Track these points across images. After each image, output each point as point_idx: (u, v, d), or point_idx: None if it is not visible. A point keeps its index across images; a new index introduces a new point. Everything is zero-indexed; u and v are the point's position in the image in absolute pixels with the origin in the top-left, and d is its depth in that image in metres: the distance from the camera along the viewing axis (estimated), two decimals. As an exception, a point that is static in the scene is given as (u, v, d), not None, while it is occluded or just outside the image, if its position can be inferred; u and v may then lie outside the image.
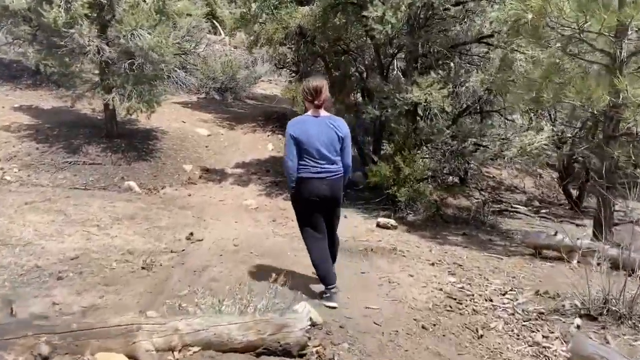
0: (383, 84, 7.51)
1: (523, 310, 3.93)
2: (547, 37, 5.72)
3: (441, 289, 4.38)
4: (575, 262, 5.31)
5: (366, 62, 8.96)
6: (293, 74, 11.31)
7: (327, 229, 3.99)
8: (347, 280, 4.36)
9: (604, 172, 5.62)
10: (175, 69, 10.31)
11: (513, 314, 3.88)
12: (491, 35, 7.27)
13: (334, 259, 4.14)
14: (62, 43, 7.74)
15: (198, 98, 13.20)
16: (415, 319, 3.74)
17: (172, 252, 5.09)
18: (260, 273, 4.45)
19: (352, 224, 6.78)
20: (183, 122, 10.76)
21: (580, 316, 3.73)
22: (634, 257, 4.29)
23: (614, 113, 5.53)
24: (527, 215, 8.41)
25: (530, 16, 5.36)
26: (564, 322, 3.71)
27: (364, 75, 8.96)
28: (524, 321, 3.75)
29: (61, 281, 4.15)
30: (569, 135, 8.41)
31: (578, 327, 3.59)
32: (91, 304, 3.73)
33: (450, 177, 8.71)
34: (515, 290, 4.38)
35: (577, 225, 7.79)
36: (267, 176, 8.83)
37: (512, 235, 7.00)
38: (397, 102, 7.08)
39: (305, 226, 3.98)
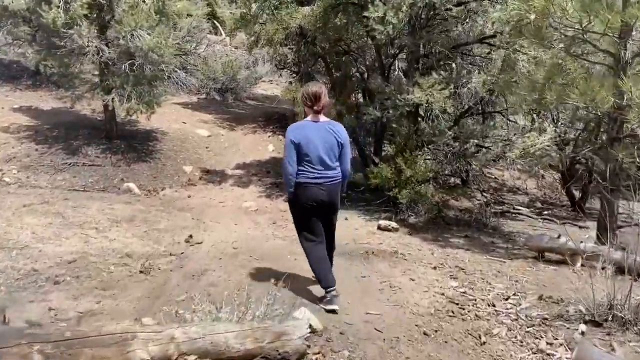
0: (384, 85, 7.45)
1: (526, 316, 3.86)
2: (550, 38, 5.65)
3: (443, 294, 4.32)
4: (578, 265, 5.25)
5: (367, 63, 8.90)
6: (294, 75, 11.24)
7: (325, 233, 3.99)
8: (348, 285, 4.31)
9: (607, 174, 5.55)
10: (176, 69, 10.24)
11: (516, 320, 3.82)
12: (493, 36, 7.21)
13: (330, 263, 4.09)
14: (62, 44, 7.71)
15: (198, 99, 13.16)
16: (416, 325, 3.68)
17: (170, 255, 5.04)
18: (260, 277, 4.39)
19: (353, 227, 6.73)
20: (183, 122, 10.71)
21: (585, 322, 3.66)
22: (639, 261, 4.23)
23: (618, 115, 5.46)
24: (530, 217, 8.34)
25: (532, 16, 5.30)
26: (568, 328, 3.65)
27: (365, 75, 8.90)
28: (528, 327, 3.68)
29: (58, 285, 4.09)
30: (572, 136, 8.34)
31: (583, 333, 3.52)
32: (87, 309, 3.67)
33: (452, 179, 8.65)
34: (518, 295, 4.31)
35: (580, 227, 7.73)
36: (267, 177, 8.78)
37: (514, 237, 6.93)
38: (399, 103, 7.02)
39: (303, 231, 3.97)
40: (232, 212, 7.11)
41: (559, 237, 5.57)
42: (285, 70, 12.18)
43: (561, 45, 5.66)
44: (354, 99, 9.25)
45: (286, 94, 10.00)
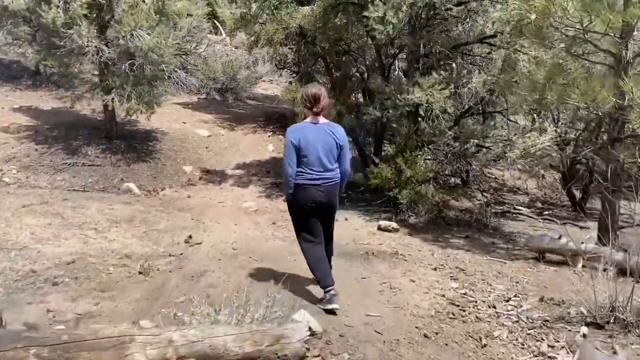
0: (384, 85, 7.43)
1: (527, 318, 3.84)
2: (550, 38, 5.62)
3: (443, 295, 4.30)
4: (579, 266, 5.23)
5: (367, 63, 8.87)
6: (294, 75, 11.22)
7: (323, 233, 4.01)
8: (348, 286, 4.29)
9: (608, 175, 5.53)
10: (176, 69, 10.22)
11: (517, 322, 3.79)
12: (494, 36, 7.18)
13: (329, 266, 4.09)
14: (62, 44, 7.68)
15: (199, 98, 13.14)
16: (417, 327, 3.66)
17: (170, 255, 5.02)
18: (259, 279, 4.37)
19: (353, 227, 6.71)
20: (183, 122, 10.70)
21: (587, 324, 3.63)
22: (640, 263, 4.20)
23: (619, 115, 5.43)
24: (530, 217, 8.31)
25: (533, 16, 5.27)
26: (569, 330, 3.62)
27: (365, 75, 8.87)
28: (529, 329, 3.66)
29: (56, 287, 4.08)
30: (573, 136, 8.31)
31: (584, 335, 3.50)
32: (86, 311, 3.66)
33: (452, 179, 8.63)
34: (519, 297, 4.29)
35: (581, 227, 7.70)
36: (267, 177, 8.76)
37: (515, 238, 6.90)
38: (399, 103, 6.99)
39: (302, 232, 3.99)
40: (232, 212, 7.09)
41: (559, 238, 5.55)
42: (286, 70, 12.17)
43: (562, 45, 5.63)
44: (354, 99, 9.22)
45: (286, 93, 9.98)
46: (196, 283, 4.29)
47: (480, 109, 8.29)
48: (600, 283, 3.77)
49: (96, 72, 8.61)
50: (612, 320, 3.61)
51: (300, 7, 7.85)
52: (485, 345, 3.45)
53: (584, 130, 8.26)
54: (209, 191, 8.04)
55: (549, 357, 3.30)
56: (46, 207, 6.04)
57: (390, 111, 7.20)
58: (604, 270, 3.85)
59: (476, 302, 4.18)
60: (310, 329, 3.14)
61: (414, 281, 4.62)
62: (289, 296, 3.92)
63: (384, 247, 5.84)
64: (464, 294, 4.36)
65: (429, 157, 7.76)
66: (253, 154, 9.85)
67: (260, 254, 5.15)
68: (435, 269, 5.06)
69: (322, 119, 3.90)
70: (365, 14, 6.70)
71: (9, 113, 9.53)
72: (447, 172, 8.11)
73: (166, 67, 8.42)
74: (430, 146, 7.74)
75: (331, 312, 3.73)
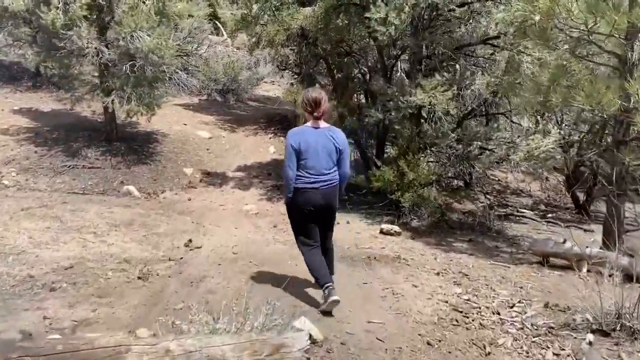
0: (386, 87, 7.37)
1: (532, 325, 3.77)
2: (554, 39, 5.56)
3: (447, 301, 4.22)
4: (584, 271, 5.16)
5: (369, 64, 8.82)
6: (295, 76, 11.17)
7: (322, 235, 3.99)
8: (350, 292, 4.22)
9: (613, 178, 5.46)
10: (177, 70, 10.18)
11: (522, 329, 3.72)
12: (497, 37, 7.12)
13: (329, 269, 4.03)
14: (62, 45, 7.64)
15: (200, 100, 13.09)
16: (420, 334, 3.59)
17: (169, 260, 4.96)
18: (259, 284, 4.31)
19: (355, 230, 6.65)
20: (184, 124, 10.65)
21: (593, 331, 3.56)
22: (647, 268, 4.13)
23: (624, 117, 5.36)
24: (534, 219, 8.25)
25: (537, 17, 5.20)
26: (575, 337, 3.55)
27: (367, 77, 8.81)
28: (534, 337, 3.59)
29: (54, 292, 4.02)
30: (577, 138, 8.23)
31: (590, 343, 3.42)
32: (83, 318, 3.60)
33: (455, 181, 8.56)
34: (523, 303, 4.21)
35: (585, 230, 7.64)
36: (268, 180, 8.70)
37: (518, 241, 6.83)
38: (401, 105, 6.94)
39: (300, 234, 3.99)
40: (233, 215, 7.03)
41: (564, 242, 5.48)
42: (287, 71, 12.10)
43: (566, 46, 5.56)
44: (355, 100, 9.17)
45: (288, 95, 9.94)
46: (195, 289, 4.23)
47: (484, 110, 8.23)
48: (606, 289, 3.70)
49: (96, 74, 8.57)
50: (618, 328, 3.53)
51: (301, 8, 7.80)
52: (489, 353, 3.39)
53: (588, 133, 8.17)
54: (209, 194, 7.99)
55: (555, 365, 3.23)
56: (45, 211, 5.99)
57: (393, 113, 7.15)
58: (610, 275, 3.78)
59: (480, 308, 4.10)
60: (311, 336, 3.08)
61: (416, 286, 4.55)
62: (289, 302, 3.87)
63: (386, 251, 5.77)
64: (468, 299, 4.29)
65: (432, 160, 7.71)
66: (254, 156, 9.79)
67: (260, 258, 5.09)
68: (438, 273, 4.99)
69: (322, 123, 3.87)
70: (367, 15, 6.64)
71: (8, 115, 9.49)
72: (450, 174, 8.05)
73: (167, 68, 8.36)
74: (433, 148, 7.68)
75: (333, 303, 3.68)
